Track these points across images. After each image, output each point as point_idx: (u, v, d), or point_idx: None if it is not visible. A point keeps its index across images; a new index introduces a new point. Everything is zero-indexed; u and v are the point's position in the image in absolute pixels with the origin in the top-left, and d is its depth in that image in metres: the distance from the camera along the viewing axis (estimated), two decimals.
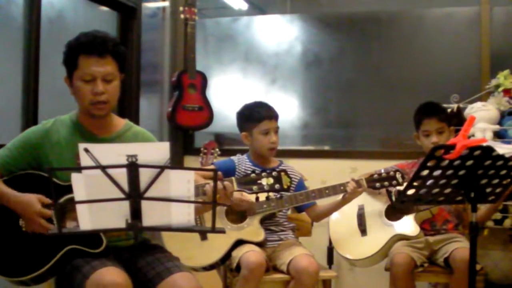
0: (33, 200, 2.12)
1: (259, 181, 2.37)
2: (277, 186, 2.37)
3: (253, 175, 2.39)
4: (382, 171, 2.85)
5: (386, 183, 2.79)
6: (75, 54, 2.16)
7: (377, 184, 2.79)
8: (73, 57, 2.16)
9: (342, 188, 2.78)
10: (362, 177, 2.82)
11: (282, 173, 2.37)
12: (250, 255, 2.68)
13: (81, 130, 2.27)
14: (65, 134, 2.25)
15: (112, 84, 2.19)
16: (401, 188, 2.76)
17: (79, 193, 1.69)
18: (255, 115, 2.95)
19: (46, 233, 2.10)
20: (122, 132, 2.32)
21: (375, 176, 2.80)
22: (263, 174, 2.37)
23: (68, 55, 2.18)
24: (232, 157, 3.04)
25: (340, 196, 2.87)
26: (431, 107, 3.19)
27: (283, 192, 2.50)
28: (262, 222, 2.89)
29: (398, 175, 2.79)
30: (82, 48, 2.14)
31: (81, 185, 1.69)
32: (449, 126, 3.15)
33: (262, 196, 2.64)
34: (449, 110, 3.41)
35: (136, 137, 2.33)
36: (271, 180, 2.37)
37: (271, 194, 2.64)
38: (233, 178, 2.44)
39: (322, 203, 2.97)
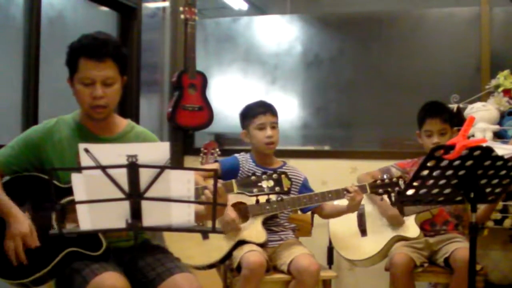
0: (26, 221, 2.06)
1: (259, 184, 2.36)
2: (277, 188, 2.35)
3: (253, 177, 2.38)
4: (385, 177, 2.82)
5: (389, 189, 2.78)
6: (75, 56, 2.14)
7: (380, 190, 2.79)
8: (73, 60, 2.15)
9: (345, 192, 2.77)
10: (364, 182, 2.81)
11: (283, 176, 2.36)
12: (250, 255, 2.68)
13: (83, 131, 2.26)
14: (67, 134, 2.24)
15: (112, 88, 2.16)
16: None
17: (79, 193, 1.69)
18: (250, 111, 2.98)
19: (14, 263, 2.05)
20: (125, 132, 2.31)
21: (378, 182, 2.79)
22: (263, 176, 2.36)
23: (69, 57, 2.17)
24: (236, 155, 3.03)
25: (344, 201, 2.86)
26: (435, 107, 3.14)
27: (283, 195, 2.50)
28: (264, 223, 2.89)
29: (401, 182, 2.77)
30: (82, 50, 2.12)
31: (81, 185, 1.68)
32: (452, 128, 3.11)
33: (262, 198, 2.62)
34: None
35: (139, 138, 2.32)
36: (271, 183, 2.36)
37: (271, 196, 2.64)
38: (233, 180, 2.43)
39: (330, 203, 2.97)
